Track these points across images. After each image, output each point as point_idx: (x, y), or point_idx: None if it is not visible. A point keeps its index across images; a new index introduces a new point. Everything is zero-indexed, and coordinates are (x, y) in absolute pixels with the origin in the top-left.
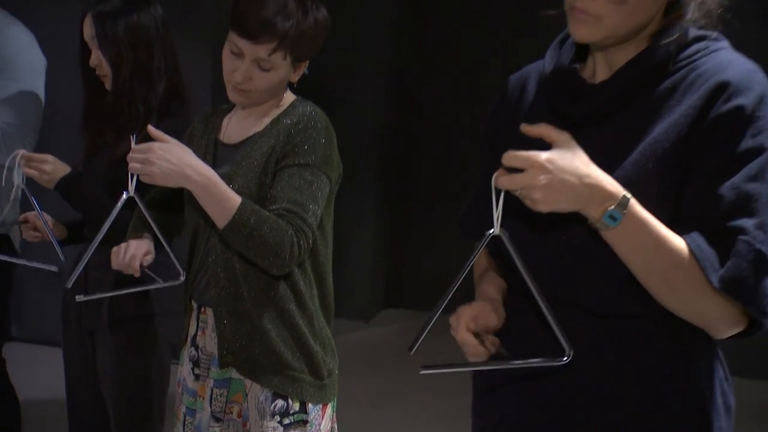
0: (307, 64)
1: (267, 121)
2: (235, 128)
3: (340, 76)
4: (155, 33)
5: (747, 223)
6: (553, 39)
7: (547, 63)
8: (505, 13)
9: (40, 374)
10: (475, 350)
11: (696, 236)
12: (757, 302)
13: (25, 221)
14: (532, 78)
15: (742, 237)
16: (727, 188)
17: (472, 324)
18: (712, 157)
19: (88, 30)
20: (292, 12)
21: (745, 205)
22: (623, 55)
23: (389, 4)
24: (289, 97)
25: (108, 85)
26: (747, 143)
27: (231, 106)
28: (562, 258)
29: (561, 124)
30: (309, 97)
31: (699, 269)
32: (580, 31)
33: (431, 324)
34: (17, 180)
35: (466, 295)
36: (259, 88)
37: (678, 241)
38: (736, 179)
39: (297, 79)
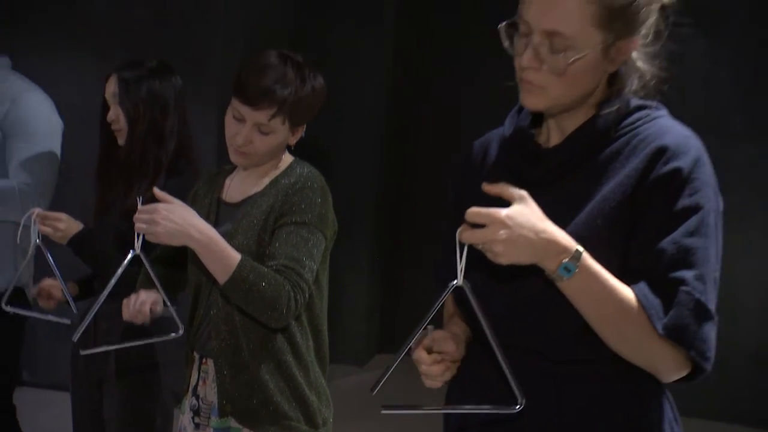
0: (304, 128)
1: (266, 181)
2: (236, 188)
3: (335, 137)
4: (172, 98)
5: (687, 274)
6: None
7: (506, 128)
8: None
9: (50, 419)
10: (429, 368)
11: (643, 286)
12: (697, 347)
13: (40, 293)
14: (494, 142)
15: (683, 288)
16: (668, 243)
17: (430, 345)
18: (654, 215)
19: (111, 88)
20: (290, 80)
21: (684, 258)
22: (573, 122)
23: (383, 67)
24: (287, 158)
25: (121, 141)
26: (684, 202)
27: (233, 167)
28: (521, 307)
29: (519, 184)
30: (306, 156)
31: (646, 317)
32: (529, 100)
33: (395, 366)
34: (33, 237)
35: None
36: (259, 150)
37: (627, 292)
38: (676, 235)
39: (295, 141)
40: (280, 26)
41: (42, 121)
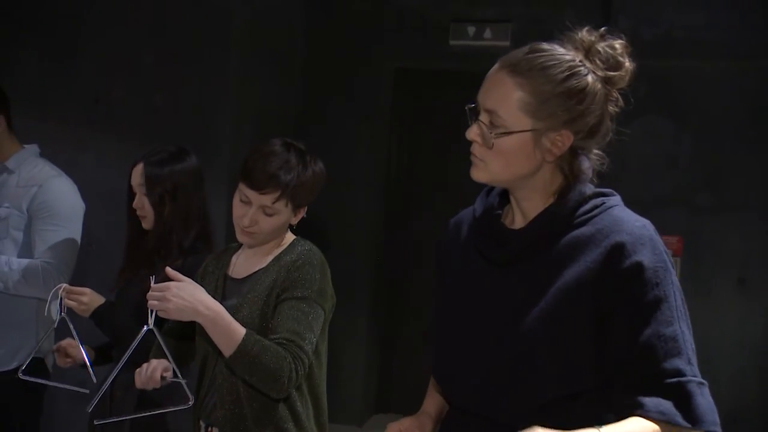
0: (306, 209)
1: (270, 258)
2: (242, 265)
3: (334, 215)
4: (193, 182)
5: (679, 363)
6: None
7: (476, 208)
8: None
9: None
10: None
11: (648, 401)
12: (717, 421)
13: (58, 350)
14: (465, 221)
15: (683, 379)
16: (650, 337)
17: None
18: (627, 309)
19: (137, 178)
20: (293, 166)
21: (671, 348)
22: (532, 207)
23: (380, 145)
24: (289, 236)
25: (146, 225)
26: (653, 294)
27: (239, 245)
28: (494, 377)
29: (485, 263)
30: (308, 234)
31: (671, 425)
32: (473, 173)
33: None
34: (59, 311)
35: None
36: (264, 230)
37: (642, 424)
38: (655, 327)
39: (297, 221)
40: (285, 109)
41: (65, 206)
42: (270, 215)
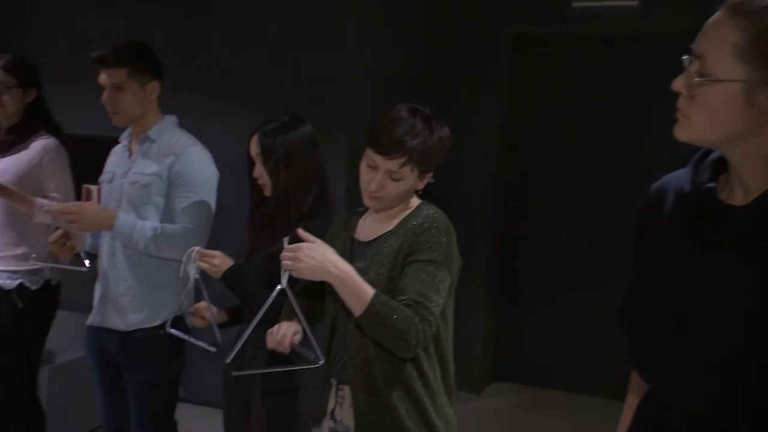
0: (431, 174)
1: (396, 222)
2: (368, 228)
3: (450, 182)
4: (307, 148)
5: None
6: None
7: (685, 180)
8: (610, 102)
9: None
10: None
11: None
12: None
13: (194, 312)
14: (671, 189)
15: None
16: None
17: None
18: None
19: (254, 149)
20: (419, 131)
21: None
22: (755, 179)
23: (494, 112)
24: (415, 201)
25: (267, 192)
26: None
27: (365, 209)
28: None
29: (695, 243)
30: (430, 198)
31: None
32: (676, 131)
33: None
34: (192, 272)
35: None
36: (390, 195)
37: None
38: None
39: (423, 186)
40: (402, 77)
41: (201, 174)
42: (396, 180)
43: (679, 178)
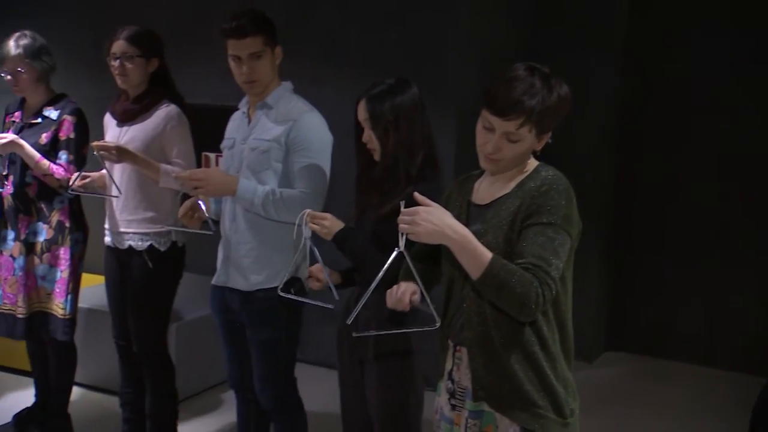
0: (550, 134)
1: (513, 184)
2: (485, 191)
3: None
4: (414, 111)
5: None
6: None
7: None
8: (725, 63)
9: (319, 392)
10: None
11: None
12: None
13: (310, 276)
14: None
15: None
16: None
17: None
18: None
19: (362, 113)
20: (537, 91)
21: None
22: None
23: (612, 83)
24: (532, 162)
25: (376, 157)
26: None
27: (481, 172)
28: None
29: None
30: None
31: None
32: None
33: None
34: (305, 233)
35: None
36: (507, 157)
37: None
38: None
39: (540, 147)
40: (512, 40)
41: (317, 139)
42: (514, 141)
43: None
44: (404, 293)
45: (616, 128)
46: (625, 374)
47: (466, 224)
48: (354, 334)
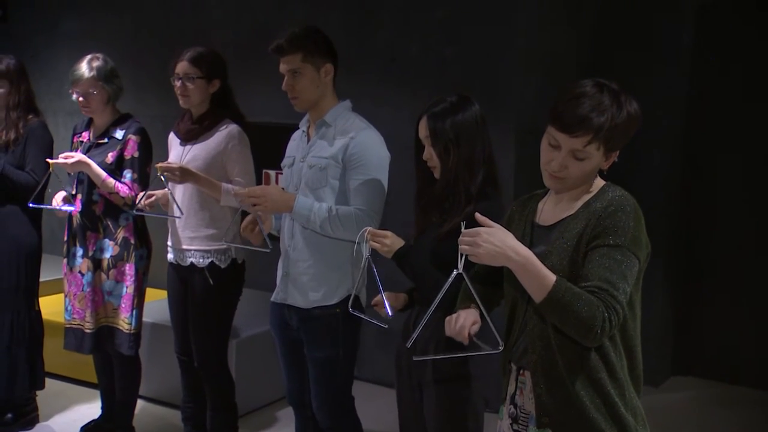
0: (618, 153)
1: (578, 204)
2: (549, 211)
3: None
4: (475, 129)
5: None
6: None
7: None
8: None
9: (376, 411)
10: None
11: None
12: None
13: (375, 304)
14: None
15: None
16: None
17: None
18: None
19: (423, 131)
20: (606, 108)
21: None
22: None
23: (677, 104)
24: (599, 182)
25: (437, 174)
26: None
27: (545, 191)
28: None
29: None
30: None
31: None
32: None
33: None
34: (365, 252)
35: None
36: (573, 175)
37: None
38: None
39: (608, 166)
40: (573, 58)
41: (374, 156)
42: (580, 159)
43: None
44: (463, 327)
45: (685, 147)
46: (693, 399)
47: (530, 245)
48: (414, 358)
